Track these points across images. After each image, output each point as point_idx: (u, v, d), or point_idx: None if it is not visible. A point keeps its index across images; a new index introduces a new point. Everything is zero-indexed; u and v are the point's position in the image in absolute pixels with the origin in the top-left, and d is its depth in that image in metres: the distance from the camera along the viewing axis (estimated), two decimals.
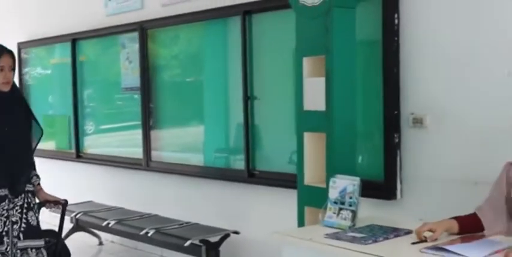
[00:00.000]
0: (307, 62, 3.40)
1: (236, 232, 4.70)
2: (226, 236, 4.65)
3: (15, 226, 3.41)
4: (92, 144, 6.82)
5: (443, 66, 3.74)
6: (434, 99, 3.78)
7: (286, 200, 4.23)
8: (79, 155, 6.86)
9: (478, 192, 2.91)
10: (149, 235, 4.84)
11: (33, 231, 3.49)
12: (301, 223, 3.42)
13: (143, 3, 5.89)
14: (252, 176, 4.86)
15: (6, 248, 3.35)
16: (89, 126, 6.87)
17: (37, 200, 3.65)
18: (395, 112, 3.91)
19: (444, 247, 2.48)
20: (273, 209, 4.63)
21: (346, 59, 3.29)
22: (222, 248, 4.62)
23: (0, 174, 3.38)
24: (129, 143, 6.27)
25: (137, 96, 5.99)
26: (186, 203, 5.45)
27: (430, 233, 2.66)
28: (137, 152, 5.98)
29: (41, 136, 3.71)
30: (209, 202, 5.27)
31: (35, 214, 3.52)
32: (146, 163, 5.84)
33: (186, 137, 5.90)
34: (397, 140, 3.91)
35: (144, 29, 5.81)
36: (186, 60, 5.77)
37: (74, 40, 6.76)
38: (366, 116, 4.04)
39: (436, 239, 2.61)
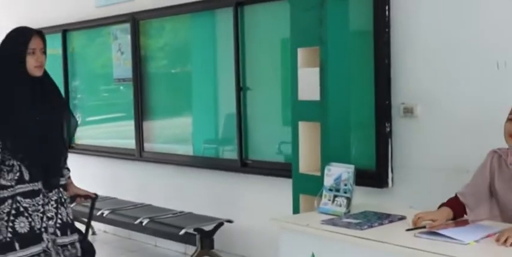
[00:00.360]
0: (301, 53, 3.46)
1: (230, 221, 4.76)
2: (220, 224, 4.72)
3: (50, 222, 3.16)
4: (83, 135, 6.84)
5: (434, 57, 3.82)
6: (425, 90, 3.87)
7: (279, 189, 4.30)
8: (71, 146, 6.87)
9: (467, 180, 2.99)
10: (143, 224, 4.90)
11: (68, 226, 3.26)
12: (296, 210, 3.49)
13: None
14: (245, 165, 4.93)
15: (47, 246, 3.12)
16: (79, 117, 6.89)
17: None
18: (387, 102, 3.99)
19: (437, 231, 2.55)
20: (266, 197, 4.70)
21: (340, 50, 3.36)
22: (216, 237, 4.69)
23: (34, 167, 3.11)
24: (122, 134, 6.31)
25: (129, 87, 6.03)
26: (180, 192, 5.51)
27: (428, 222, 2.73)
28: (130, 143, 6.02)
29: (76, 127, 3.40)
30: (202, 191, 5.33)
31: (66, 209, 3.26)
32: (139, 153, 5.89)
33: (178, 127, 5.95)
34: (388, 130, 3.99)
35: (136, 20, 5.84)
36: (177, 51, 5.81)
37: (65, 31, 6.77)
38: (359, 106, 4.10)
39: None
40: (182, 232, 4.58)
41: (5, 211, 3.07)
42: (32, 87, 3.13)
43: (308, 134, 3.48)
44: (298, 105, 3.49)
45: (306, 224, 2.87)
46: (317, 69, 3.35)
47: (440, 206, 2.91)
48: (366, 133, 4.11)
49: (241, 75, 4.93)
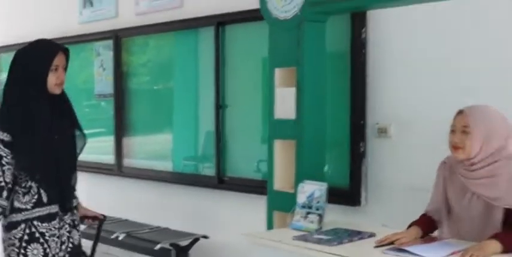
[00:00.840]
0: (279, 73, 3.54)
1: (205, 237, 4.81)
2: (196, 240, 4.77)
3: (63, 246, 3.03)
4: None
5: (408, 77, 3.92)
6: (399, 110, 3.96)
7: (255, 206, 4.37)
8: None
9: None
10: (120, 238, 4.93)
11: (77, 250, 3.16)
12: (270, 226, 3.55)
13: (118, 11, 5.99)
14: (222, 182, 4.99)
15: None
16: None
17: None
18: (361, 122, 4.08)
19: (405, 248, 2.63)
20: (242, 214, 4.76)
21: (316, 71, 3.45)
22: (191, 252, 4.73)
23: (51, 188, 2.93)
24: (102, 150, 6.33)
25: (110, 102, 6.09)
26: (157, 208, 5.54)
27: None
28: (109, 158, 6.06)
29: (84, 145, 3.22)
30: (179, 207, 5.38)
31: (77, 231, 3.15)
32: (118, 169, 5.93)
33: (157, 144, 6.00)
34: (362, 149, 4.08)
35: (118, 37, 5.91)
36: (159, 68, 5.88)
37: None
38: (335, 126, 4.19)
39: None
40: (158, 247, 4.61)
41: (17, 237, 2.90)
42: (50, 105, 2.98)
43: (283, 152, 3.55)
44: (274, 123, 3.57)
45: (278, 240, 2.93)
46: (293, 89, 3.43)
47: (410, 225, 2.98)
48: (341, 151, 4.19)
49: (220, 93, 5.00)
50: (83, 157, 6.47)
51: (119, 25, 5.90)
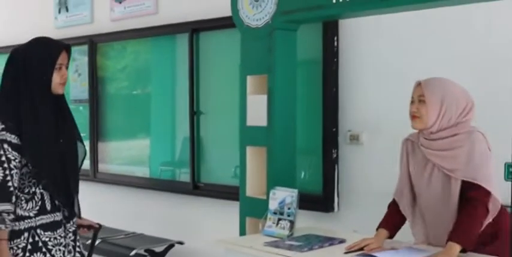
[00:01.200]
0: (250, 80, 3.57)
1: (180, 242, 4.83)
2: (171, 246, 4.78)
3: (69, 256, 2.85)
4: None
5: (379, 85, 3.98)
6: (370, 117, 4.02)
7: (230, 212, 4.37)
8: None
9: None
10: (95, 244, 4.91)
11: None
12: (242, 232, 3.58)
13: (93, 17, 6.00)
14: (196, 188, 5.02)
15: None
16: None
17: None
18: (334, 129, 4.14)
19: (374, 254, 2.68)
20: (217, 220, 4.79)
21: (287, 78, 3.48)
22: None
23: (57, 194, 2.77)
24: None
25: (82, 108, 6.09)
26: (132, 214, 5.55)
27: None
28: (84, 164, 6.03)
29: (84, 157, 3.05)
30: (154, 213, 5.39)
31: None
32: (93, 174, 5.93)
33: (134, 149, 6.01)
34: (335, 156, 4.13)
35: (93, 43, 5.92)
36: (135, 74, 5.90)
37: None
38: (308, 133, 4.25)
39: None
40: (133, 253, 4.62)
41: (20, 246, 2.70)
42: (54, 106, 2.81)
43: (255, 159, 3.58)
44: (246, 130, 3.60)
45: (249, 246, 2.97)
46: (265, 97, 3.47)
47: (379, 225, 3.02)
48: (314, 158, 4.24)
49: (195, 99, 5.04)
50: None
51: (94, 31, 5.92)
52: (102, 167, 5.93)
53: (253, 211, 3.49)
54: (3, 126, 2.66)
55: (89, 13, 6.01)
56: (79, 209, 2.94)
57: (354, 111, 4.10)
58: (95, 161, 5.96)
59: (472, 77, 3.37)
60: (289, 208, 3.20)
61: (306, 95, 4.25)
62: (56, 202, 2.76)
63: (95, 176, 5.92)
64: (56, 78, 2.76)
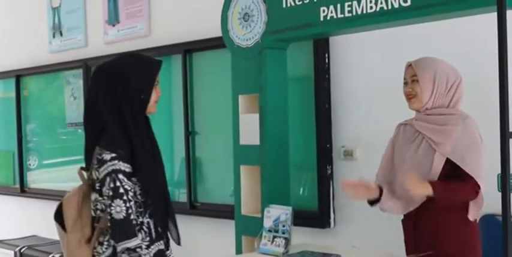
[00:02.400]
0: (242, 100, 3.61)
1: None
2: None
3: None
4: (37, 179, 6.86)
5: (371, 100, 4.01)
6: (363, 133, 4.05)
7: (226, 231, 4.39)
8: (23, 190, 6.90)
9: None
10: None
11: None
12: (238, 251, 3.59)
13: (87, 41, 6.05)
14: (193, 208, 5.03)
15: None
16: (33, 161, 6.92)
17: None
18: (328, 145, 4.16)
19: None
20: (214, 239, 4.79)
21: (278, 97, 3.51)
22: None
23: (161, 222, 2.63)
24: (75, 178, 6.32)
25: (81, 130, 6.11)
26: None
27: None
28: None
29: None
30: None
31: None
32: None
33: None
34: (329, 172, 4.15)
35: (88, 66, 5.96)
36: None
37: (18, 76, 6.86)
38: (301, 149, 4.28)
39: None
40: None
41: None
42: (147, 128, 2.67)
43: (250, 177, 3.60)
44: (239, 149, 3.63)
45: None
46: (257, 115, 3.50)
47: None
48: (309, 175, 4.26)
49: (190, 119, 5.06)
50: (57, 186, 6.54)
51: (88, 54, 5.96)
52: None
53: (249, 229, 3.50)
54: (114, 155, 2.45)
55: (83, 37, 6.06)
56: (178, 235, 2.79)
57: (347, 127, 4.13)
58: None
59: (474, 88, 3.39)
60: (283, 226, 3.21)
61: (299, 112, 4.28)
62: (159, 230, 2.60)
63: None
64: (153, 96, 2.63)
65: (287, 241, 3.19)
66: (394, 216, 3.64)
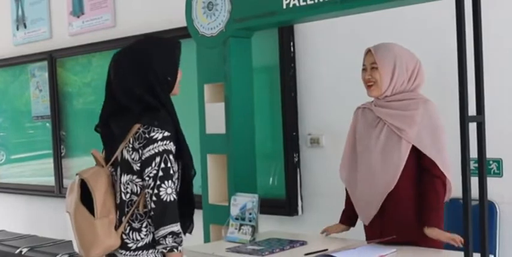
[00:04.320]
0: (207, 89, 3.61)
1: None
2: None
3: None
4: (4, 174, 6.78)
5: (336, 89, 4.04)
6: (329, 120, 4.08)
7: (196, 220, 4.40)
8: None
9: None
10: None
11: None
12: (207, 239, 3.59)
13: (52, 32, 5.99)
14: None
15: None
16: (3, 155, 6.84)
17: None
18: (294, 133, 4.18)
19: (333, 254, 2.72)
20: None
21: (243, 85, 3.52)
22: None
23: (191, 206, 2.66)
24: (43, 172, 6.29)
25: (48, 124, 6.06)
26: None
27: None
28: (50, 181, 6.02)
29: None
30: None
31: None
32: (58, 190, 5.89)
33: None
34: (296, 160, 4.18)
35: (53, 58, 5.90)
36: (99, 87, 5.87)
37: None
38: (268, 138, 4.30)
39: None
40: None
41: None
42: None
43: (216, 166, 3.61)
44: (206, 138, 3.63)
45: (211, 252, 2.99)
46: (222, 104, 3.50)
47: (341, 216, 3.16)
48: (276, 163, 4.28)
49: None
50: (24, 180, 6.48)
51: (53, 46, 5.91)
52: (68, 183, 5.89)
53: (217, 218, 3.51)
54: (167, 134, 2.40)
55: (48, 29, 6.00)
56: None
57: (313, 115, 4.16)
58: (59, 177, 5.93)
59: (434, 75, 3.43)
60: (250, 213, 3.23)
61: (266, 101, 4.30)
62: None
63: (60, 192, 5.88)
64: (178, 77, 2.58)
65: (254, 228, 3.20)
66: None
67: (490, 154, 3.32)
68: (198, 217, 4.10)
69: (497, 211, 3.42)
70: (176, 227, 2.39)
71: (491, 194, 3.38)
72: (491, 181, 3.35)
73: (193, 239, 3.91)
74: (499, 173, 3.43)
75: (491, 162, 3.43)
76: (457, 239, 2.65)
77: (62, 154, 5.99)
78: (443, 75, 3.45)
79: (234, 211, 3.27)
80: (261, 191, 4.03)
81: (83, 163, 5.98)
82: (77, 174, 2.55)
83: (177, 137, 2.46)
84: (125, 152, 2.47)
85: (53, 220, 5.97)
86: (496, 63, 3.32)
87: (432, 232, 2.73)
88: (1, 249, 5.57)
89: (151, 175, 2.36)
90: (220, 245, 3.13)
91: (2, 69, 6.68)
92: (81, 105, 5.94)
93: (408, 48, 2.94)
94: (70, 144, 5.97)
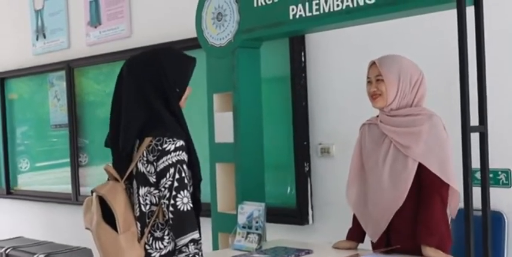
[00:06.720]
0: (217, 98, 3.65)
1: None
2: None
3: None
4: (28, 181, 6.86)
5: (347, 98, 4.04)
6: (340, 130, 4.08)
7: (203, 228, 4.44)
8: (9, 192, 6.92)
9: None
10: None
11: None
12: (215, 247, 3.63)
13: (70, 42, 6.09)
14: None
15: None
16: (23, 164, 6.92)
17: None
18: (305, 143, 4.20)
19: None
20: None
21: (251, 95, 3.55)
22: None
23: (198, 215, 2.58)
24: (64, 180, 6.34)
25: (67, 132, 6.14)
26: None
27: None
28: (65, 188, 6.11)
29: None
30: None
31: None
32: (75, 198, 5.97)
33: None
34: (307, 169, 4.19)
35: (71, 68, 5.99)
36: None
37: (3, 79, 6.89)
38: (279, 147, 4.32)
39: None
40: None
41: None
42: None
43: (225, 175, 3.65)
44: (215, 147, 3.67)
45: None
46: (231, 114, 3.54)
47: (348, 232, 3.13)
48: (287, 172, 4.30)
49: None
50: (48, 188, 6.53)
51: (71, 56, 6.00)
52: (84, 190, 5.97)
53: (225, 226, 3.54)
54: (178, 145, 2.43)
55: (66, 39, 6.10)
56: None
57: (324, 125, 4.17)
58: (76, 184, 6.02)
59: (444, 83, 3.44)
60: (257, 222, 3.25)
61: (277, 110, 4.32)
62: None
63: (77, 199, 5.96)
64: (186, 91, 2.60)
65: (260, 237, 3.22)
66: None
67: (498, 164, 3.36)
68: (207, 225, 4.17)
69: (506, 221, 3.40)
70: (196, 235, 2.43)
71: (501, 205, 3.41)
72: (500, 192, 3.40)
73: (202, 247, 3.97)
74: (507, 184, 3.42)
75: (499, 173, 3.42)
76: None
77: (85, 162, 6.05)
78: (445, 84, 3.46)
79: (241, 219, 3.30)
80: (272, 200, 4.07)
81: (101, 170, 6.07)
82: (92, 191, 2.58)
83: (188, 146, 2.49)
84: (140, 165, 2.49)
85: (70, 227, 6.03)
86: (502, 70, 3.33)
87: (429, 255, 2.70)
88: (18, 255, 5.65)
89: (167, 185, 2.40)
90: (226, 253, 3.16)
91: (27, 78, 6.77)
92: (104, 114, 5.99)
93: (408, 57, 2.94)
94: (93, 152, 6.03)
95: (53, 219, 6.33)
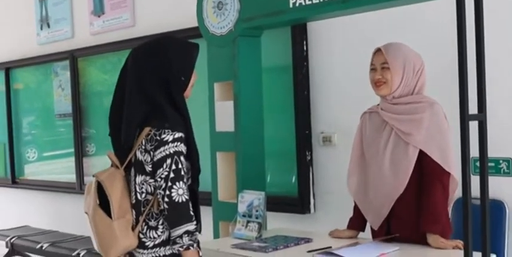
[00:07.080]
0: (217, 87, 3.65)
1: None
2: None
3: None
4: (36, 171, 6.89)
5: (348, 87, 4.04)
6: (341, 119, 4.08)
7: (204, 217, 4.45)
8: (15, 181, 6.96)
9: None
10: (80, 256, 4.99)
11: None
12: (216, 236, 3.64)
13: (74, 32, 6.09)
14: None
15: None
16: (31, 153, 6.93)
17: None
18: (307, 132, 4.20)
19: (334, 251, 2.73)
20: None
21: (252, 84, 3.55)
22: None
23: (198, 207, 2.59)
24: (71, 170, 6.34)
25: (71, 121, 6.15)
26: None
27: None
28: (69, 177, 6.14)
29: None
30: None
31: None
32: (79, 187, 5.99)
33: None
34: (309, 158, 4.19)
35: (74, 57, 6.00)
36: None
37: (8, 69, 6.90)
38: (281, 136, 4.32)
39: None
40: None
41: None
42: None
43: (225, 164, 3.65)
44: (215, 136, 3.68)
45: (216, 248, 3.03)
46: (231, 103, 3.54)
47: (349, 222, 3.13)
48: (289, 161, 4.30)
49: None
50: (54, 177, 6.55)
51: (75, 45, 6.00)
52: (88, 180, 5.99)
53: (226, 214, 3.55)
54: (177, 136, 2.42)
55: (70, 28, 6.10)
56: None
57: (325, 114, 4.17)
58: (80, 174, 6.04)
59: (447, 74, 3.41)
60: (257, 210, 3.26)
61: (280, 100, 4.32)
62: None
63: (81, 188, 5.98)
64: (192, 79, 2.58)
65: (260, 225, 3.23)
66: None
67: (500, 153, 3.35)
68: (207, 213, 4.18)
69: (507, 210, 3.40)
70: (191, 226, 2.42)
71: (502, 194, 3.40)
72: (501, 181, 3.39)
73: (203, 236, 3.97)
74: (509, 173, 3.41)
75: (501, 161, 3.41)
76: (460, 244, 2.65)
77: (92, 152, 6.07)
78: (452, 73, 3.44)
79: (241, 208, 3.31)
80: (273, 189, 4.09)
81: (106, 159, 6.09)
82: (93, 175, 2.60)
83: (187, 137, 2.48)
84: (138, 154, 2.51)
85: (75, 216, 6.06)
86: (503, 58, 3.31)
87: (434, 243, 2.71)
88: (23, 244, 5.69)
89: (163, 176, 2.40)
90: (226, 242, 3.17)
91: (33, 67, 6.78)
92: (107, 104, 5.99)
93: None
94: (100, 142, 6.04)
95: (58, 208, 6.37)
